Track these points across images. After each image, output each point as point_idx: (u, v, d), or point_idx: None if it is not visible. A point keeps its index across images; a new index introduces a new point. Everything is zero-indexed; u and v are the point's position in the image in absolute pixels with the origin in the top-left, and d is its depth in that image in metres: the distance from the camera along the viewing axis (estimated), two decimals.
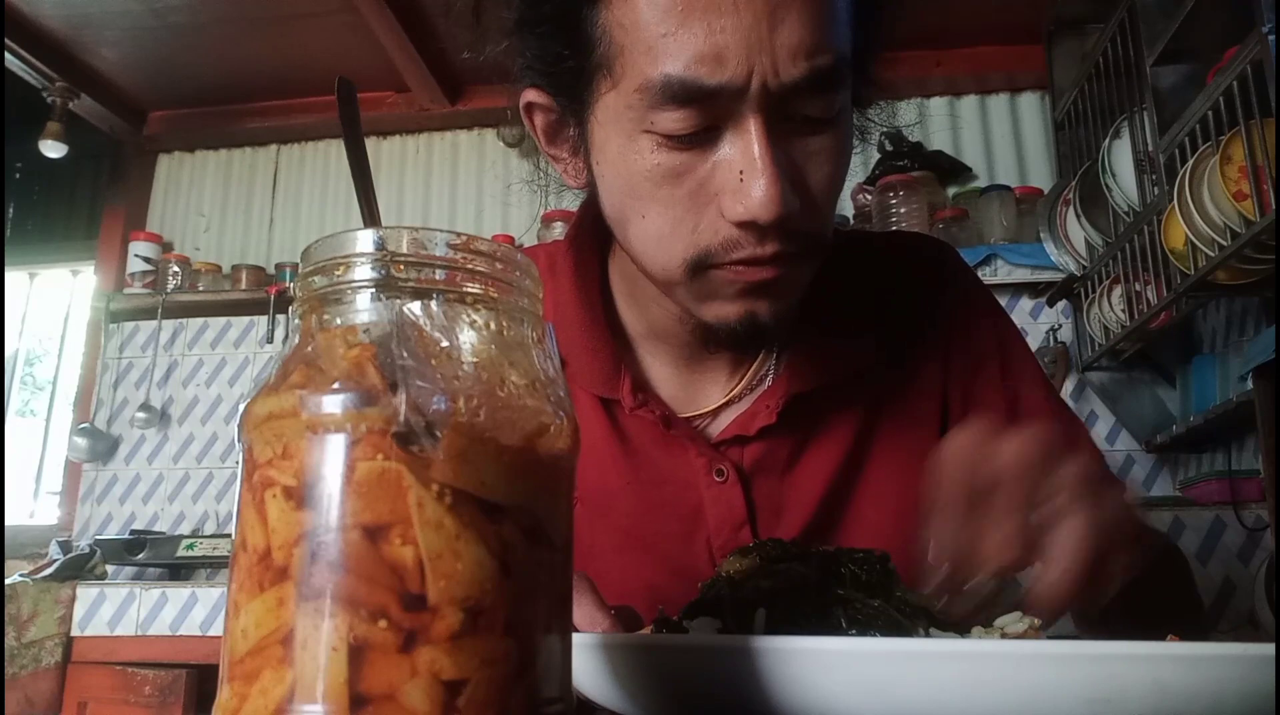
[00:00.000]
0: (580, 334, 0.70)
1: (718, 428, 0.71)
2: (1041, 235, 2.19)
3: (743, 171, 0.53)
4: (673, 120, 0.54)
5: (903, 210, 2.33)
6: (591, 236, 0.73)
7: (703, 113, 0.53)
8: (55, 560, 2.11)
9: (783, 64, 0.52)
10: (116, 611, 1.88)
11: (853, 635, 0.38)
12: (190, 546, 2.21)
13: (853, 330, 0.71)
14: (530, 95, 0.63)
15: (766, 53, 0.52)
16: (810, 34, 0.52)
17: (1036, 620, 0.39)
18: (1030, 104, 2.55)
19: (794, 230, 0.55)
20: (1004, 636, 0.38)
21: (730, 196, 0.54)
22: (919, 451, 0.66)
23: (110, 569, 2.21)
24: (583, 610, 0.50)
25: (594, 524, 0.70)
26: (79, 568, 2.09)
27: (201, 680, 1.80)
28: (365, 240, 0.29)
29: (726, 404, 0.71)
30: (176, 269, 2.68)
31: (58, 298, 3.11)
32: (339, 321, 0.29)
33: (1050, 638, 0.39)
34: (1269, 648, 0.30)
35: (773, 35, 0.52)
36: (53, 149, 2.50)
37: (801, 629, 0.37)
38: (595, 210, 0.68)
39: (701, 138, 0.55)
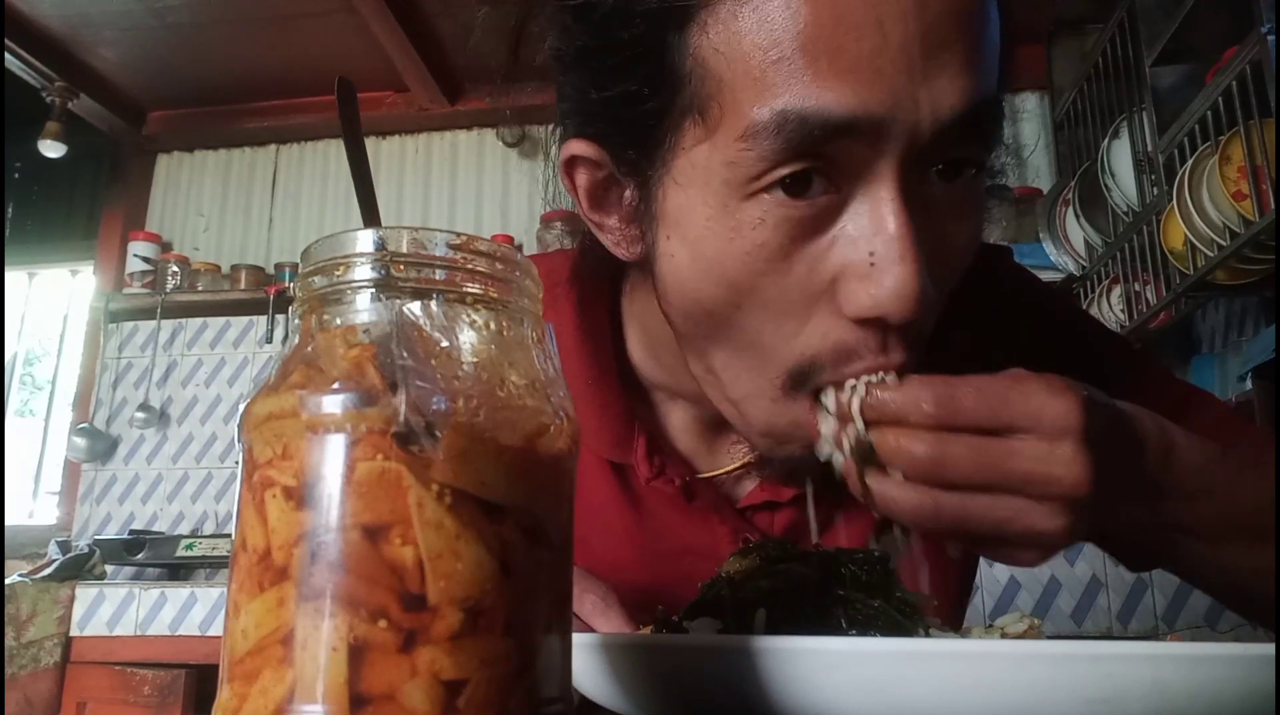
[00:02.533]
0: (586, 388, 0.59)
1: (743, 490, 0.61)
2: (1041, 235, 2.19)
3: (873, 253, 0.41)
4: (786, 173, 0.41)
5: None
6: (597, 270, 0.60)
7: (827, 167, 0.42)
8: (54, 560, 2.11)
9: (941, 97, 0.41)
10: (116, 611, 1.88)
11: (853, 635, 0.38)
12: (189, 546, 2.21)
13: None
14: (576, 148, 0.49)
15: (919, 83, 0.40)
16: (974, 62, 0.42)
17: (1037, 620, 0.39)
18: (1030, 104, 2.55)
19: (921, 331, 0.45)
20: (1004, 636, 0.38)
21: (856, 284, 0.42)
22: None
23: (109, 569, 2.21)
24: (612, 626, 0.46)
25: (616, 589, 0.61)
26: (78, 568, 2.09)
27: (201, 680, 1.80)
28: (365, 240, 0.29)
29: (755, 462, 0.61)
30: (176, 269, 2.68)
31: (57, 298, 3.11)
32: (339, 321, 0.29)
33: (1050, 638, 0.39)
34: (1269, 648, 0.30)
35: (926, 62, 0.40)
36: (52, 149, 2.50)
37: (801, 629, 0.37)
38: (592, 259, 0.58)
39: (819, 203, 0.42)
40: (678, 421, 0.62)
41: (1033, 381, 0.40)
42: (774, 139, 0.41)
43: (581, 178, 0.51)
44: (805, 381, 0.45)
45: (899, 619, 0.38)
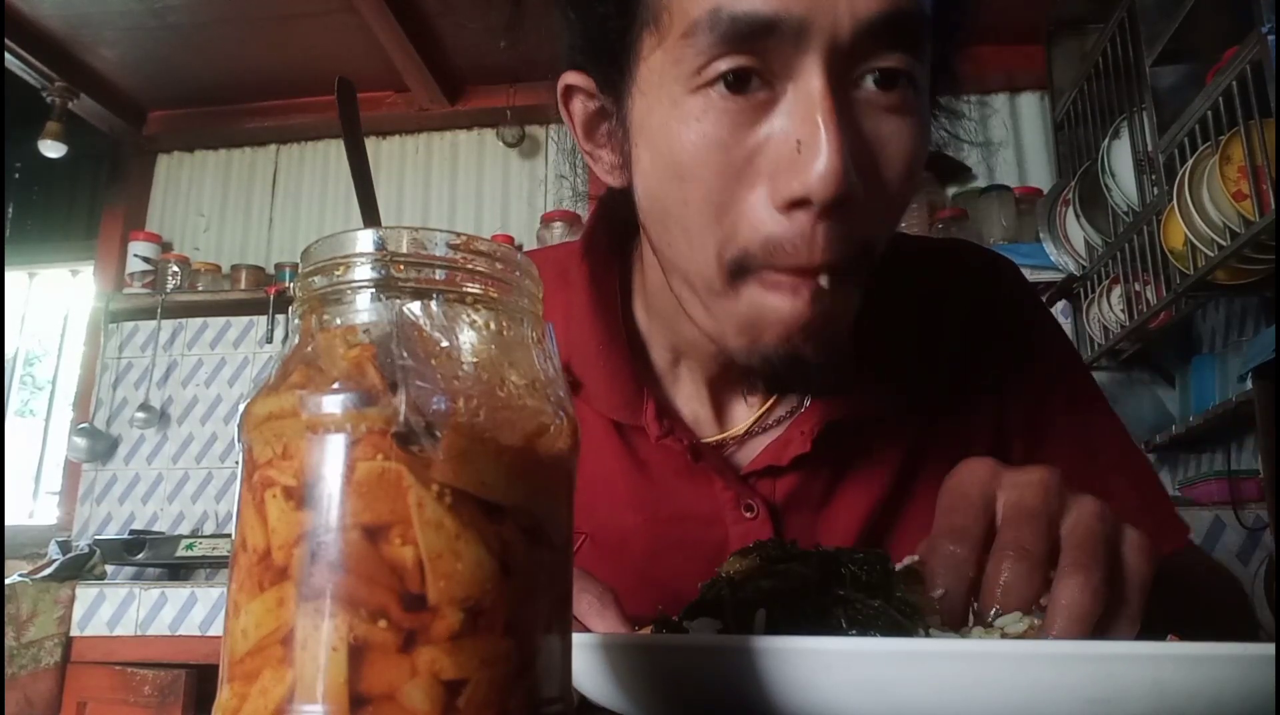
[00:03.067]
0: (598, 354, 0.62)
1: (746, 457, 0.63)
2: (1041, 235, 2.19)
3: (800, 141, 0.46)
4: (725, 58, 0.47)
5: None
6: (608, 243, 0.65)
7: (758, 62, 0.46)
8: (54, 560, 2.11)
9: (859, 2, 0.45)
10: (116, 611, 1.88)
11: (853, 635, 0.38)
12: (190, 546, 2.21)
13: (899, 354, 0.63)
14: (570, 78, 0.57)
15: None
16: None
17: (1036, 620, 0.39)
18: (1030, 104, 2.55)
19: (850, 233, 0.48)
20: (1004, 636, 0.38)
21: (784, 171, 0.46)
22: None
23: (109, 569, 2.21)
24: (608, 625, 0.48)
25: (605, 563, 0.63)
26: (78, 568, 2.09)
27: (201, 680, 1.80)
28: (365, 240, 0.29)
29: (759, 429, 0.64)
30: (176, 269, 2.68)
31: (57, 298, 3.11)
32: (339, 321, 0.29)
33: (1049, 638, 0.39)
34: (1269, 648, 0.30)
35: None
36: (52, 149, 2.50)
37: (801, 629, 0.37)
38: (612, 213, 0.64)
39: (756, 99, 0.47)
40: (682, 390, 0.65)
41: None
42: (710, 34, 0.46)
43: (576, 108, 0.58)
44: (743, 271, 0.49)
45: (899, 619, 0.38)
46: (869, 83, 0.48)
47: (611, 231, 0.65)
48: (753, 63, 0.47)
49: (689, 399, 0.65)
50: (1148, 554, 0.41)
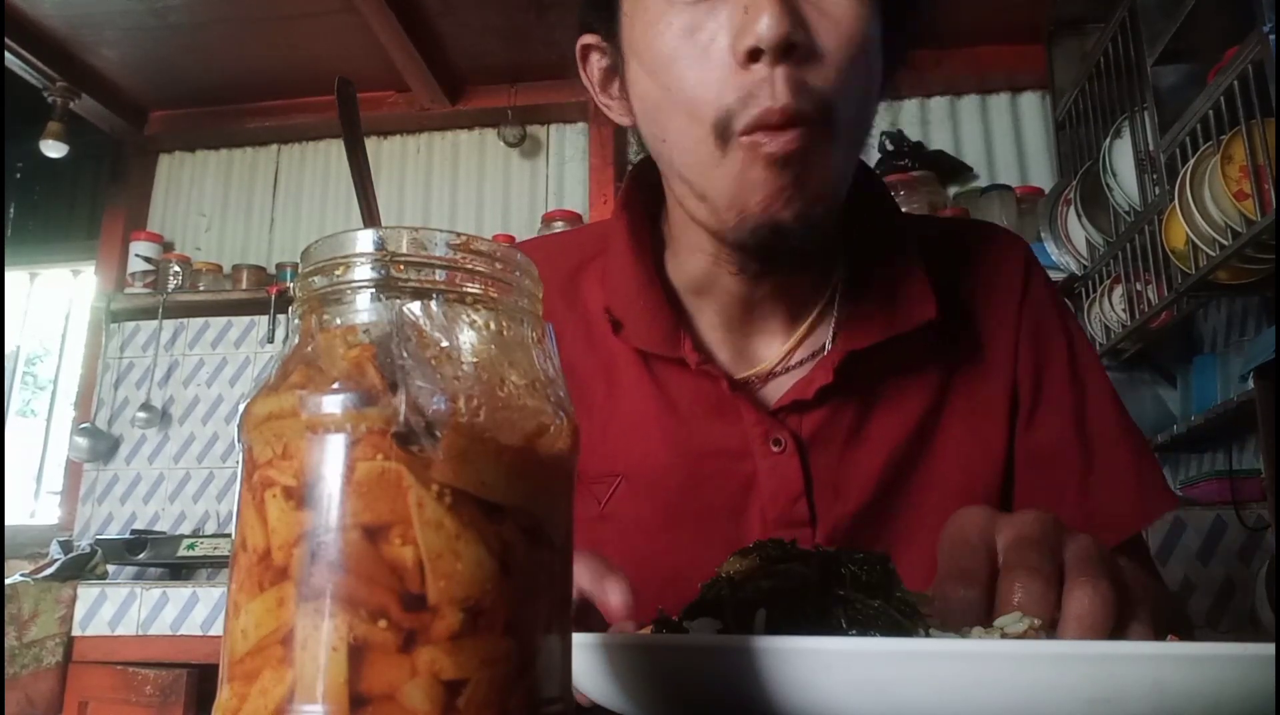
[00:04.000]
0: (637, 293, 0.67)
1: (774, 394, 0.67)
2: (1042, 235, 2.19)
3: (747, 6, 0.54)
4: None
5: (903, 210, 2.32)
6: (641, 201, 0.72)
7: None
8: (56, 560, 2.11)
9: None
10: (117, 611, 1.88)
11: (853, 635, 0.38)
12: (191, 546, 2.21)
13: (913, 291, 0.66)
14: (585, 39, 0.68)
15: None
16: None
17: (1037, 620, 0.39)
18: (1031, 104, 2.55)
19: (806, 82, 0.55)
20: (1004, 636, 0.38)
21: (739, 34, 0.55)
22: (985, 435, 0.68)
23: (111, 569, 2.21)
24: (592, 574, 0.50)
25: (639, 500, 0.67)
26: (80, 567, 2.09)
27: (202, 680, 1.81)
28: (365, 240, 0.29)
29: (783, 370, 0.68)
30: (177, 269, 2.68)
31: (58, 298, 3.11)
32: (339, 321, 0.29)
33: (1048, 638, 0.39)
34: (1268, 648, 0.30)
35: None
36: (53, 149, 2.50)
37: (801, 629, 0.37)
38: (644, 177, 0.72)
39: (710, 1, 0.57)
40: (711, 333, 0.70)
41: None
42: None
43: (592, 64, 0.68)
44: (727, 131, 0.56)
45: (899, 619, 0.39)
46: None
47: (644, 192, 0.72)
48: None
49: (717, 343, 0.69)
50: (1150, 579, 0.43)
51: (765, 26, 0.53)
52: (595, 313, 0.70)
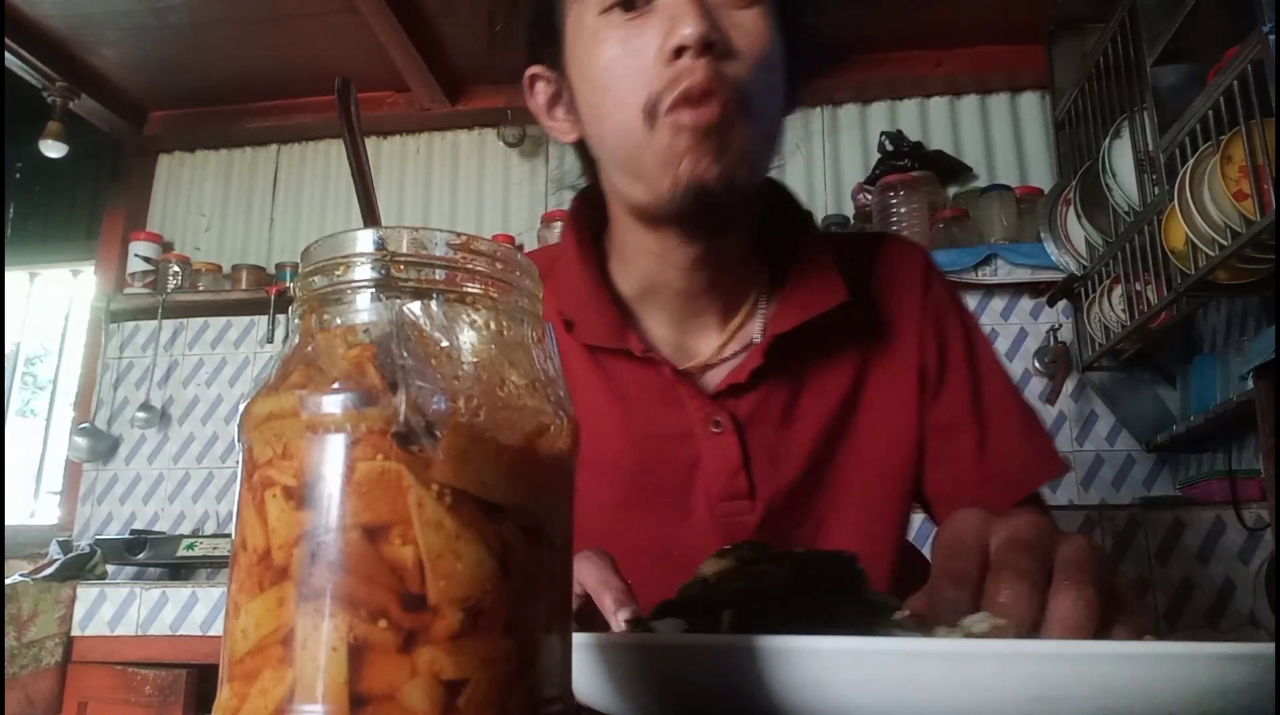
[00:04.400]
0: (588, 298, 0.76)
1: (712, 382, 0.76)
2: (1042, 235, 2.19)
3: (673, 15, 0.65)
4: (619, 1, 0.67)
5: (903, 210, 2.33)
6: (586, 221, 0.80)
7: None
8: (55, 560, 2.11)
9: None
10: (117, 611, 1.88)
11: (821, 635, 0.39)
12: (190, 546, 2.21)
13: (825, 280, 0.76)
14: (531, 70, 0.77)
15: None
16: None
17: (1002, 620, 0.39)
18: (1030, 104, 2.55)
19: (724, 72, 0.65)
20: (969, 636, 0.39)
21: (666, 38, 0.65)
22: (899, 412, 0.78)
23: (110, 569, 2.21)
24: (597, 574, 0.54)
25: (597, 483, 0.74)
26: (79, 567, 2.09)
27: (202, 680, 1.80)
28: (365, 240, 0.29)
29: (719, 361, 0.77)
30: (177, 269, 2.68)
31: (58, 298, 3.11)
32: (339, 321, 0.29)
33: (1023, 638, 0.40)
34: (1207, 646, 0.31)
35: None
36: (53, 149, 2.50)
37: (772, 628, 0.38)
38: (587, 202, 0.80)
39: (643, 12, 0.67)
40: (655, 331, 0.78)
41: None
42: None
43: (539, 93, 0.78)
44: (655, 111, 0.65)
45: (866, 618, 0.40)
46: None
47: (588, 213, 0.80)
48: None
49: (660, 339, 0.78)
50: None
51: (688, 28, 0.63)
52: (550, 318, 0.75)
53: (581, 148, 0.78)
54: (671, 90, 0.64)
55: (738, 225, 0.74)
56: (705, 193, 0.66)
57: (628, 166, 0.69)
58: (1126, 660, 0.31)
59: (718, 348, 0.77)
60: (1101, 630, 0.41)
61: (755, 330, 0.77)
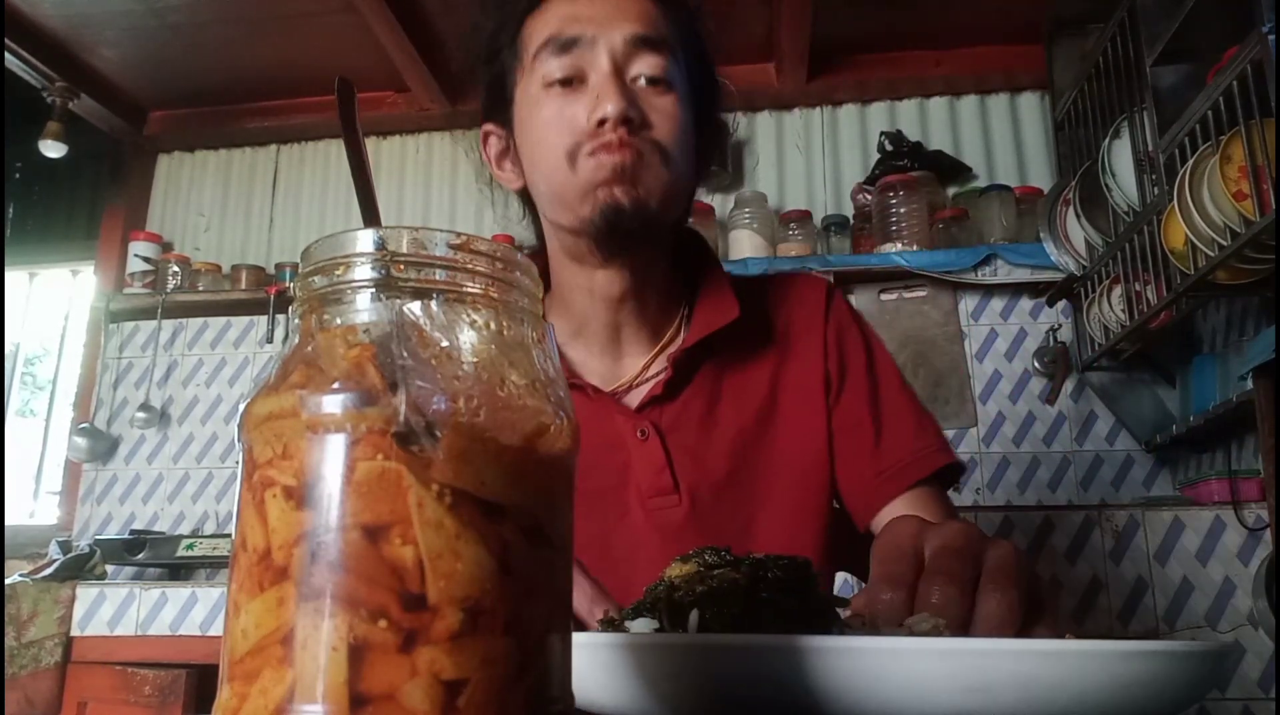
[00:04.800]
0: None
1: (635, 399, 0.88)
2: (1041, 235, 2.19)
3: (599, 94, 0.79)
4: (556, 67, 0.81)
5: (902, 210, 2.33)
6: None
7: (574, 61, 0.81)
8: (55, 560, 2.11)
9: (619, 28, 0.81)
10: (116, 611, 1.88)
11: (779, 633, 0.41)
12: (190, 546, 2.21)
13: (723, 302, 0.89)
14: (486, 127, 0.91)
15: (611, 22, 0.81)
16: (637, 15, 0.82)
17: (942, 621, 0.43)
18: (1030, 104, 2.55)
19: (639, 139, 0.79)
20: (912, 634, 0.43)
21: (592, 111, 0.79)
22: (810, 416, 0.89)
23: (110, 569, 2.21)
24: (582, 595, 0.60)
25: None
26: (79, 568, 2.09)
27: (201, 680, 1.80)
28: (365, 240, 0.29)
29: (642, 381, 0.89)
30: (176, 269, 2.68)
31: (58, 298, 3.11)
32: (339, 321, 0.29)
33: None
34: (1126, 644, 0.35)
35: (613, 14, 0.81)
36: (53, 149, 2.50)
37: (730, 628, 0.43)
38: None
39: (578, 89, 0.81)
40: (587, 362, 0.90)
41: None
42: (546, 50, 0.82)
43: (491, 147, 0.92)
44: (576, 155, 0.80)
45: (814, 618, 0.43)
46: (641, 81, 0.81)
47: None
48: (571, 69, 0.81)
49: (592, 370, 0.90)
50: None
51: (610, 105, 0.77)
52: None
53: (524, 195, 0.92)
54: (591, 142, 0.79)
55: (652, 255, 0.87)
56: (619, 214, 0.79)
57: (556, 199, 0.83)
58: (1052, 657, 0.34)
59: (639, 368, 0.89)
60: (1023, 627, 0.46)
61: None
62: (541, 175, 0.83)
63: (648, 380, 0.89)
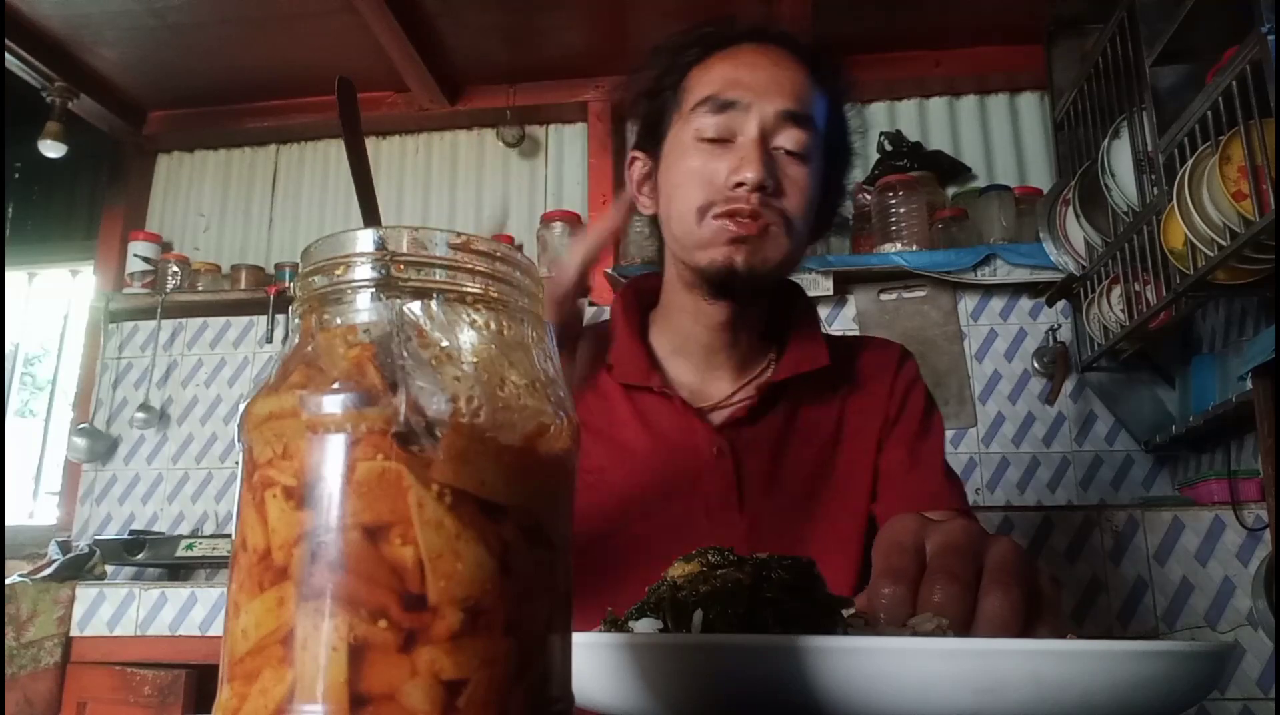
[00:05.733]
0: (626, 347, 0.97)
1: (720, 417, 0.94)
2: (1041, 235, 2.19)
3: (742, 158, 0.86)
4: (710, 125, 0.88)
5: (902, 210, 2.33)
6: (636, 295, 1.02)
7: (726, 122, 0.88)
8: (54, 560, 2.11)
9: (772, 102, 0.88)
10: (116, 612, 1.88)
11: (782, 633, 0.41)
12: (189, 546, 2.21)
13: (815, 349, 0.96)
14: (634, 154, 0.99)
15: (766, 94, 0.88)
16: (791, 91, 0.89)
17: (945, 620, 0.43)
18: (1030, 104, 2.55)
19: (769, 205, 0.86)
20: (915, 634, 0.43)
21: (733, 172, 0.86)
22: (865, 456, 0.96)
23: (109, 569, 2.21)
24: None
25: (629, 482, 0.92)
26: (78, 568, 2.09)
27: (201, 680, 1.80)
28: (365, 240, 0.29)
29: (727, 403, 0.95)
30: (176, 269, 2.68)
31: (57, 298, 3.11)
32: (339, 321, 0.29)
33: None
34: (1135, 644, 0.35)
35: (770, 86, 0.88)
36: (52, 149, 2.49)
37: (735, 628, 0.43)
38: (636, 287, 1.02)
39: (725, 147, 0.88)
40: (680, 376, 0.97)
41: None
42: (704, 107, 0.89)
43: (636, 170, 0.99)
44: (705, 213, 0.87)
45: (819, 618, 0.43)
46: (781, 152, 0.88)
47: (638, 293, 1.03)
48: (722, 129, 0.88)
49: (684, 384, 0.97)
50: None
51: (750, 172, 0.85)
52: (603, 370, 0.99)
53: (654, 222, 0.98)
54: (723, 204, 0.86)
55: (756, 302, 0.94)
56: (733, 276, 0.87)
57: (681, 242, 0.91)
58: (1057, 657, 0.35)
59: (728, 392, 0.96)
60: (1026, 625, 0.46)
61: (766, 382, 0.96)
62: (673, 217, 0.91)
63: (732, 404, 0.95)
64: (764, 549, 0.79)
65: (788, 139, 0.87)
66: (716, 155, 0.87)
